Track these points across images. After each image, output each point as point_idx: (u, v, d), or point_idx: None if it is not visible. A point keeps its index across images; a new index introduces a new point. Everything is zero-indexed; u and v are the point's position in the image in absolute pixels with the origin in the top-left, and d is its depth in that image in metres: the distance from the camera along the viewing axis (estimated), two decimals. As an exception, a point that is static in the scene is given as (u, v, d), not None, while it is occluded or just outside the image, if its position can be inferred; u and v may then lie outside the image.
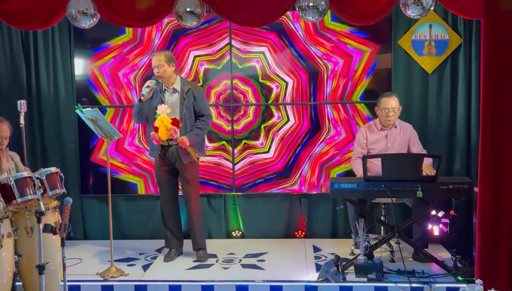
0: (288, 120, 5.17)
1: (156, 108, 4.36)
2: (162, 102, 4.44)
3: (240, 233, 5.33)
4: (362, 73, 5.05)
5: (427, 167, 4.34)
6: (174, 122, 4.30)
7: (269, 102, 5.16)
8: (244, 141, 5.22)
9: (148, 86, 4.34)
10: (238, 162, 5.23)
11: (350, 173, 4.96)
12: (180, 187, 4.71)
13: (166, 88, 4.50)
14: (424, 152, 4.62)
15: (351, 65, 5.05)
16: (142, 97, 4.37)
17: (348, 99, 5.09)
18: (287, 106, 5.15)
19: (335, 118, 5.12)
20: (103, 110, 5.20)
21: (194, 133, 4.45)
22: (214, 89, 5.18)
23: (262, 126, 5.20)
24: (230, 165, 5.24)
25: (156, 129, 4.30)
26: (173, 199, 4.68)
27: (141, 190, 5.29)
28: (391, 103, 4.50)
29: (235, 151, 5.23)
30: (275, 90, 5.14)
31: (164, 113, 4.30)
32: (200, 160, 4.69)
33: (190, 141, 4.41)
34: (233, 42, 5.12)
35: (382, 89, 4.91)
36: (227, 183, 5.26)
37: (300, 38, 5.06)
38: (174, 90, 4.49)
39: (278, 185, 5.22)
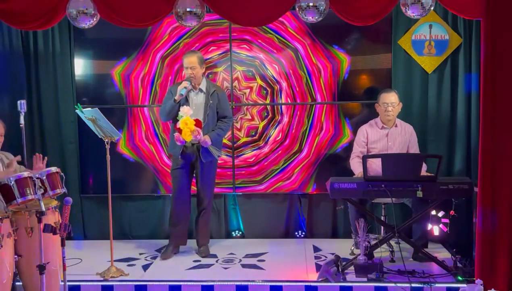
0: (288, 120, 5.17)
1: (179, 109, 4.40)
2: (187, 101, 4.48)
3: (240, 233, 5.34)
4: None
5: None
6: (197, 123, 4.36)
7: (268, 102, 5.17)
8: (244, 141, 5.22)
9: (185, 87, 4.39)
10: (238, 161, 5.24)
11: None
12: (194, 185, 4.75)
13: (192, 88, 4.55)
14: None
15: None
16: (177, 97, 4.41)
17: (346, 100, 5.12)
18: (286, 106, 5.15)
19: (332, 118, 5.13)
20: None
21: (216, 133, 4.56)
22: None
23: (261, 125, 5.20)
24: (230, 164, 5.24)
25: (180, 131, 4.33)
26: (186, 197, 4.71)
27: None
28: (390, 98, 4.52)
29: (235, 150, 5.23)
30: (274, 91, 5.15)
31: (187, 115, 4.33)
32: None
33: (212, 140, 4.49)
34: (233, 42, 5.11)
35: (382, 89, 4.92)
36: (227, 182, 5.26)
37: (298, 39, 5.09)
38: (200, 91, 4.56)
39: (278, 184, 5.22)
